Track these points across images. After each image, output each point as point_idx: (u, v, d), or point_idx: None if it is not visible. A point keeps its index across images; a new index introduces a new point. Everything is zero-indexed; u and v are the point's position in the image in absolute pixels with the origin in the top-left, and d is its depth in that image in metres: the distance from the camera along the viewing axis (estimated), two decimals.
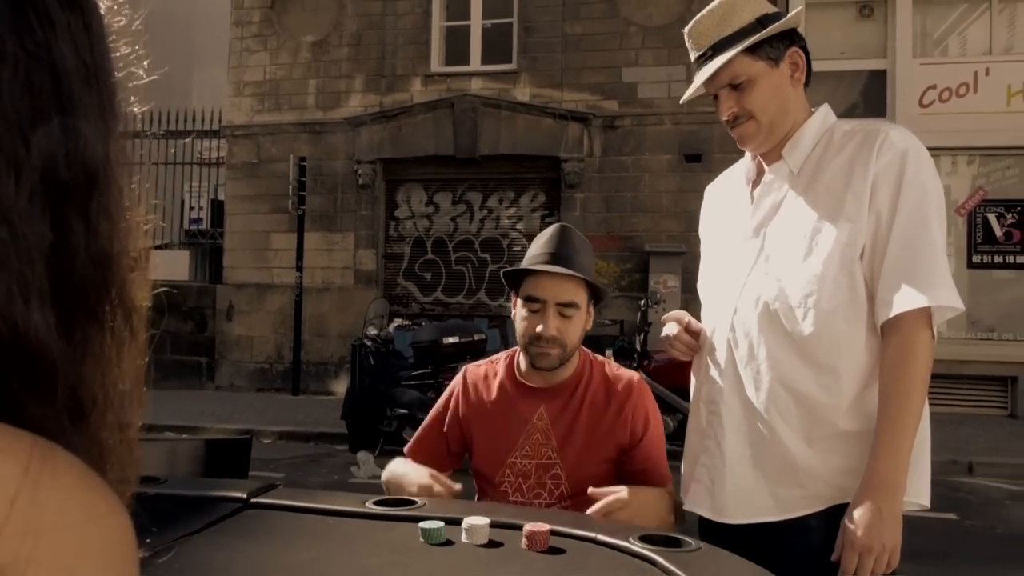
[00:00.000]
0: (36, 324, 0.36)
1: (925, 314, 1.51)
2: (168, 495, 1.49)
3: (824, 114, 1.72)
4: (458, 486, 1.77)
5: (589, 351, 2.05)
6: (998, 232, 9.86)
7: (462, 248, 11.21)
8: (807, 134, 1.68)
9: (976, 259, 9.86)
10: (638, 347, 7.52)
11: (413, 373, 7.32)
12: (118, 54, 0.44)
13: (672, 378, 6.42)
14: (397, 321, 9.07)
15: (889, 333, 1.53)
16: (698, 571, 1.15)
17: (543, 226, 11.12)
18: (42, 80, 0.38)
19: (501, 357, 2.08)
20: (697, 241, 1.95)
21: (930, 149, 1.63)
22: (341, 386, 10.10)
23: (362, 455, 6.83)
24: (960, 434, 8.07)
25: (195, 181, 12.77)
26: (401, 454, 2.06)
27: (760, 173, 1.75)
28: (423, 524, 1.31)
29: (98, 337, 0.41)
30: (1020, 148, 9.71)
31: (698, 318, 1.83)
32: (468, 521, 1.31)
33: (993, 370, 9.58)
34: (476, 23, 11.29)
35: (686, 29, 1.71)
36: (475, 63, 11.24)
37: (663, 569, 1.17)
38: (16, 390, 0.36)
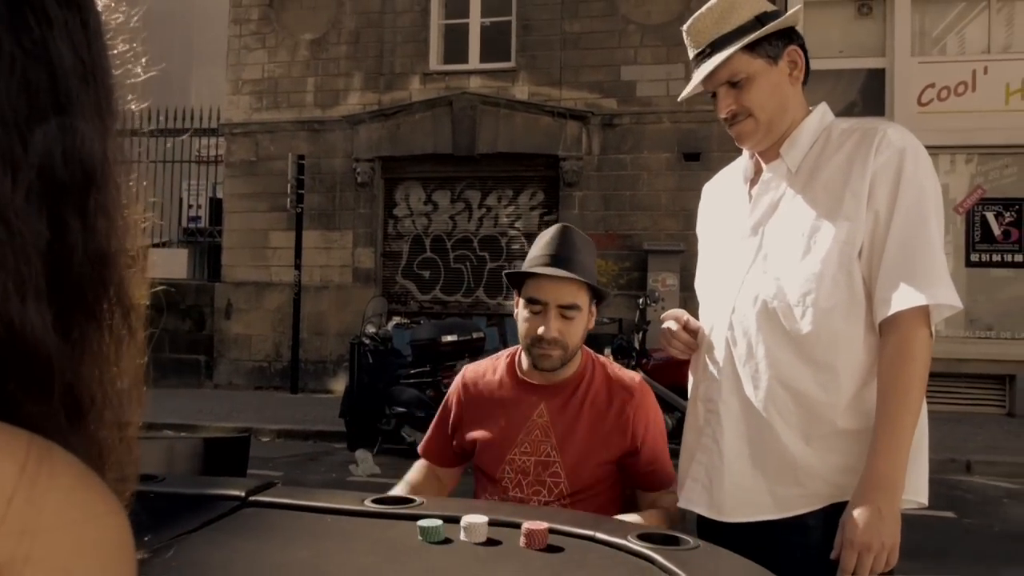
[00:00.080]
0: (32, 322, 0.36)
1: (923, 312, 1.51)
2: (166, 493, 1.49)
3: (822, 113, 1.72)
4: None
5: (592, 351, 2.05)
6: (996, 231, 9.86)
7: (461, 246, 11.20)
8: (805, 132, 1.68)
9: (974, 258, 9.87)
10: (636, 345, 7.52)
11: (411, 371, 7.31)
12: (116, 52, 0.44)
13: (670, 376, 6.42)
14: (396, 319, 9.06)
15: (887, 331, 1.53)
16: (696, 569, 1.15)
17: (542, 224, 11.10)
18: (39, 78, 0.37)
19: (503, 355, 2.09)
20: (695, 239, 1.95)
21: (928, 148, 1.63)
22: (339, 384, 10.10)
23: (360, 453, 6.82)
24: (958, 432, 8.07)
25: (193, 179, 12.77)
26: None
27: (758, 171, 1.75)
28: (421, 522, 1.31)
29: (96, 335, 0.41)
30: (1018, 147, 9.71)
31: (696, 317, 1.83)
32: (466, 519, 1.30)
33: (991, 368, 9.59)
34: (475, 21, 11.28)
35: (685, 27, 1.71)
36: (474, 61, 11.23)
37: (661, 567, 1.17)
38: (12, 388, 0.36)
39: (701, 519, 1.73)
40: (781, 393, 1.60)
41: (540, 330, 1.89)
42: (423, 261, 11.31)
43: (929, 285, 1.50)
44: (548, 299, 1.89)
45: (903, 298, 1.50)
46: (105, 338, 0.41)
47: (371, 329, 8.18)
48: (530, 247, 2.03)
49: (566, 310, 1.89)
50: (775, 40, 1.65)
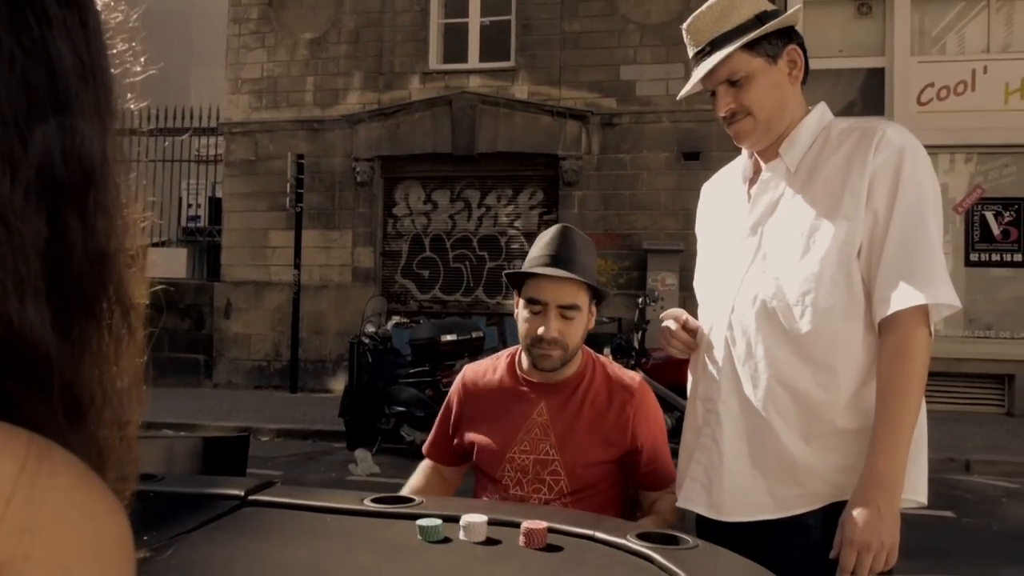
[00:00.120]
0: (31, 321, 0.36)
1: (922, 312, 1.51)
2: (166, 492, 1.49)
3: (821, 112, 1.72)
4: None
5: (592, 351, 2.05)
6: (995, 230, 9.87)
7: (460, 246, 11.20)
8: (804, 132, 1.68)
9: (973, 257, 9.87)
10: (636, 345, 7.52)
11: (411, 371, 7.31)
12: (115, 51, 0.44)
13: (670, 376, 6.42)
14: (395, 319, 9.05)
15: (886, 331, 1.53)
16: (696, 569, 1.15)
17: (541, 224, 11.10)
18: (39, 77, 0.37)
19: (503, 355, 2.10)
20: (695, 239, 1.95)
21: (928, 147, 1.63)
22: (339, 384, 10.09)
23: (360, 453, 6.82)
24: (957, 432, 8.08)
25: (193, 178, 12.76)
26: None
27: (757, 171, 1.75)
28: (421, 522, 1.31)
29: (95, 335, 0.41)
30: (1018, 146, 9.71)
31: (696, 316, 1.83)
32: (466, 518, 1.30)
33: (990, 368, 9.59)
34: (474, 20, 11.27)
35: (684, 25, 1.71)
36: (473, 60, 11.22)
37: (661, 566, 1.17)
38: (12, 388, 0.36)
39: (700, 519, 1.73)
40: (780, 392, 1.60)
41: (540, 330, 1.89)
42: (422, 260, 11.31)
43: (928, 284, 1.50)
44: (548, 299, 1.90)
45: (902, 297, 1.50)
46: (104, 337, 0.41)
47: (370, 328, 8.17)
48: (530, 247, 2.04)
49: (566, 310, 1.90)
50: (775, 39, 1.65)
